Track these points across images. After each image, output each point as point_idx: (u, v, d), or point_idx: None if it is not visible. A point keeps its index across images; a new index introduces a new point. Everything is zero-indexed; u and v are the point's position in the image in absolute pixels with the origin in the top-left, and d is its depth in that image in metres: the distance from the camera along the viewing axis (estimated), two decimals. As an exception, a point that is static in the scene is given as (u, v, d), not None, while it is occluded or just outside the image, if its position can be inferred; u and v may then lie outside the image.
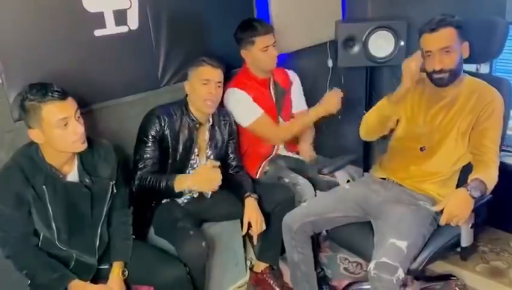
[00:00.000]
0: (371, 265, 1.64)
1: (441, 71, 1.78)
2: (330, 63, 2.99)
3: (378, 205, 1.91)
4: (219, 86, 2.02)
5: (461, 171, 1.90)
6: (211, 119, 2.11)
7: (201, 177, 1.89)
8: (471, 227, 1.73)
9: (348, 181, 2.10)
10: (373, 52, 2.53)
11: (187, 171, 2.09)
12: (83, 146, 1.59)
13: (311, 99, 2.73)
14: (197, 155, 2.10)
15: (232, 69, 2.43)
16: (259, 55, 2.26)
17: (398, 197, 1.91)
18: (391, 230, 1.73)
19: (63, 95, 1.52)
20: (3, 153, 1.75)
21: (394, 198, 1.91)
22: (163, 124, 1.97)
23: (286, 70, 2.52)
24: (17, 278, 1.70)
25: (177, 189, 1.90)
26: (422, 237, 1.75)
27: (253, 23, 2.28)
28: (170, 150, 2.01)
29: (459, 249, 1.81)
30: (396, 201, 1.89)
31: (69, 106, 1.54)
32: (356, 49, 2.55)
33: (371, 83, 2.78)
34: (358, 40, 2.52)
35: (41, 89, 1.49)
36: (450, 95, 1.86)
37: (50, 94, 1.49)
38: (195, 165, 2.10)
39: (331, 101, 2.27)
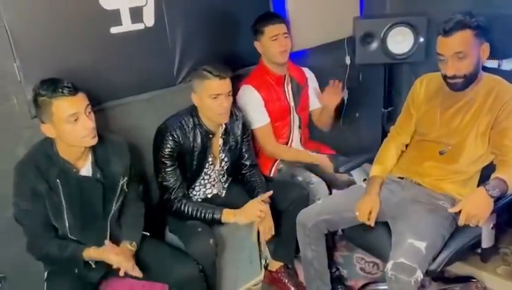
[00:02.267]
0: (389, 265, 1.61)
1: (453, 77, 1.71)
2: (348, 60, 2.95)
3: (395, 205, 1.87)
4: (229, 95, 1.94)
5: (483, 171, 1.85)
6: (223, 125, 2.05)
7: (246, 212, 1.93)
8: (492, 228, 1.69)
9: (365, 180, 2.07)
10: (392, 49, 2.48)
11: (201, 178, 2.10)
12: (93, 141, 1.60)
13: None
14: (212, 164, 2.09)
15: (247, 66, 2.43)
16: (268, 44, 2.25)
17: (416, 197, 1.87)
18: (409, 230, 1.69)
19: (73, 91, 1.53)
20: (21, 149, 1.78)
21: (412, 198, 1.87)
22: (177, 140, 1.92)
23: (301, 68, 2.51)
24: (35, 272, 1.75)
25: (223, 221, 1.93)
26: (441, 238, 1.72)
27: (266, 14, 2.33)
28: (186, 163, 1.99)
29: (479, 251, 1.78)
30: (414, 201, 1.85)
31: (79, 101, 1.55)
32: (374, 45, 2.51)
33: (389, 80, 2.73)
34: (377, 37, 2.48)
35: (52, 85, 1.51)
36: (467, 96, 1.79)
37: (60, 90, 1.50)
38: (209, 172, 2.10)
39: (327, 164, 2.27)
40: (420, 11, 2.58)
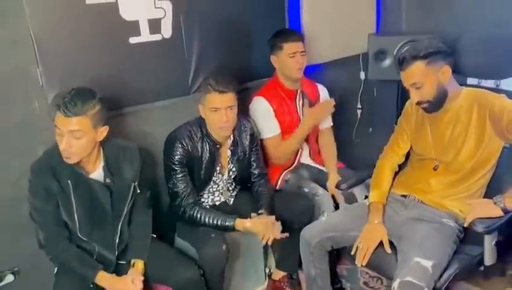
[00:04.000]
0: (395, 284, 1.62)
1: (419, 103, 1.80)
2: (362, 76, 2.99)
3: (400, 224, 1.89)
4: (231, 109, 1.96)
5: (486, 191, 1.87)
6: (231, 136, 2.11)
7: (261, 221, 1.97)
8: (495, 245, 1.71)
9: (366, 197, 2.09)
10: (405, 66, 2.50)
11: (209, 186, 2.15)
12: (66, 160, 1.65)
13: (343, 111, 2.73)
14: (219, 173, 2.14)
15: (260, 78, 2.49)
16: (286, 60, 2.29)
17: (420, 216, 1.88)
18: (415, 249, 1.71)
19: (70, 114, 1.57)
20: (41, 149, 1.85)
21: (416, 217, 1.89)
22: (186, 148, 1.98)
23: (316, 83, 2.54)
24: (46, 267, 1.83)
25: (237, 229, 1.97)
26: (447, 256, 1.73)
27: (285, 30, 2.39)
28: (194, 171, 2.05)
29: (482, 268, 1.78)
30: (418, 220, 1.87)
31: (67, 124, 1.58)
32: (387, 62, 2.53)
33: (402, 96, 2.75)
34: (390, 54, 2.50)
35: (61, 99, 1.59)
36: (451, 110, 1.84)
37: (60, 107, 1.57)
38: (218, 181, 2.15)
39: (322, 109, 2.31)
40: (436, 29, 2.59)
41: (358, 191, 2.16)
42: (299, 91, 2.42)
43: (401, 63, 1.77)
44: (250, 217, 2.02)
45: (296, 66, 2.29)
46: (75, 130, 1.60)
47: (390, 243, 1.85)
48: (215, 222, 1.97)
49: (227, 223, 1.97)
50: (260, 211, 2.07)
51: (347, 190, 2.14)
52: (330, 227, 1.96)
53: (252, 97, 2.39)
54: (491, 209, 1.64)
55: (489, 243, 1.69)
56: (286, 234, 1.99)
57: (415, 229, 1.82)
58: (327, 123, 2.58)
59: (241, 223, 1.98)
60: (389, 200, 2.00)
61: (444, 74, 1.77)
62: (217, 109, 1.93)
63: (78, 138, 1.61)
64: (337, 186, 2.13)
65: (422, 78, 1.74)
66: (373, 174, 2.08)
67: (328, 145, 2.57)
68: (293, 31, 2.39)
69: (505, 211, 1.63)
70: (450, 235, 1.79)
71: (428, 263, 1.65)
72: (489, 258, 1.73)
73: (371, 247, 1.80)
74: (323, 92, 2.55)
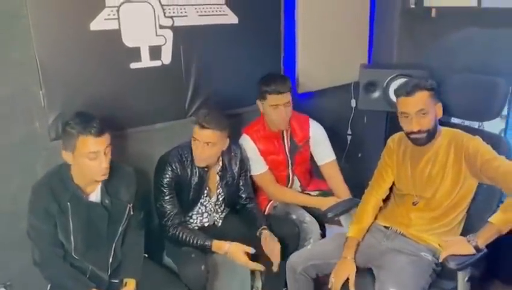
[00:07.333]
0: None
1: (419, 132, 1.87)
2: (353, 103, 3.08)
3: (380, 253, 1.96)
4: (208, 145, 2.02)
5: (465, 225, 1.96)
6: (220, 162, 2.18)
7: (237, 248, 2.03)
8: (468, 281, 1.77)
9: None
10: (393, 98, 2.57)
11: (197, 208, 2.22)
12: (102, 178, 1.75)
13: (333, 137, 2.80)
14: (207, 196, 2.21)
15: (254, 104, 2.56)
16: (269, 111, 2.28)
17: (400, 248, 1.95)
18: (392, 280, 1.78)
19: (100, 132, 1.67)
20: (40, 167, 1.96)
21: (396, 248, 1.95)
22: (175, 172, 2.06)
23: (310, 122, 2.46)
24: (39, 283, 1.87)
25: (214, 250, 2.05)
26: (420, 289, 1.80)
27: (271, 78, 2.27)
28: (182, 193, 2.12)
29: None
30: (399, 251, 1.93)
31: (102, 143, 1.69)
32: (377, 94, 2.62)
33: (390, 125, 2.85)
34: (379, 86, 2.59)
35: (83, 122, 1.67)
36: (432, 149, 1.94)
37: (88, 129, 1.65)
38: (205, 203, 2.22)
39: (326, 203, 2.30)
40: (425, 64, 2.70)
41: (344, 219, 2.22)
42: (285, 132, 2.41)
43: (410, 90, 1.85)
44: (258, 236, 2.11)
45: (279, 117, 2.27)
46: (108, 144, 1.73)
47: (370, 270, 1.92)
48: (195, 242, 2.04)
49: (205, 243, 2.04)
50: (263, 227, 2.14)
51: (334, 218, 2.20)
52: (314, 255, 2.04)
53: (242, 130, 2.42)
54: (464, 247, 1.71)
55: (462, 279, 1.75)
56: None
57: (394, 260, 1.89)
58: (326, 158, 2.50)
59: (218, 245, 2.04)
60: (372, 229, 2.07)
61: (439, 109, 1.90)
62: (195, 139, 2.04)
63: (109, 152, 1.75)
64: (324, 215, 2.17)
65: (428, 105, 1.85)
66: (358, 207, 2.15)
67: (334, 178, 2.48)
68: (279, 81, 2.25)
69: (477, 250, 1.70)
70: (427, 269, 1.86)
71: None
72: (462, 295, 1.80)
73: (338, 283, 1.90)
74: (316, 131, 2.47)
